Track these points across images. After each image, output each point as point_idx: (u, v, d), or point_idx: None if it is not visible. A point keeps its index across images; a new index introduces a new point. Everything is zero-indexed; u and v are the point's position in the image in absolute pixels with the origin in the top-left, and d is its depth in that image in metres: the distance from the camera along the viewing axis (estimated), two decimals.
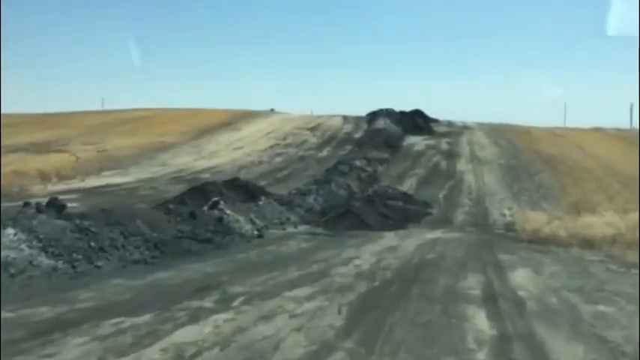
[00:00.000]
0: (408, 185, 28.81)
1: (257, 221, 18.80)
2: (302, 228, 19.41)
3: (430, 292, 10.07)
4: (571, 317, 8.67)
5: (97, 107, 57.69)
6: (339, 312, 8.35)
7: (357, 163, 31.86)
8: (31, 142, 38.64)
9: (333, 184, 26.24)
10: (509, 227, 20.91)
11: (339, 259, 13.44)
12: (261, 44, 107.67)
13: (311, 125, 45.41)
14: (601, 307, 9.28)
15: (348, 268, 12.34)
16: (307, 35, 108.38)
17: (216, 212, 17.56)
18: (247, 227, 17.60)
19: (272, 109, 54.25)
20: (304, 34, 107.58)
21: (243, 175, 30.67)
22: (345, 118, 48.44)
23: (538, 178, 30.50)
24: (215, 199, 18.25)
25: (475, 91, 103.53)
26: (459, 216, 23.15)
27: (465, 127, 46.20)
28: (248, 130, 43.53)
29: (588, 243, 17.53)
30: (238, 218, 17.93)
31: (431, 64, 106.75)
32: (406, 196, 25.18)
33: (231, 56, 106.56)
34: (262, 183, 28.69)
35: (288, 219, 20.48)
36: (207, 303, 8.68)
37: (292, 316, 8.11)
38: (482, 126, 46.76)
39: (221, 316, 7.96)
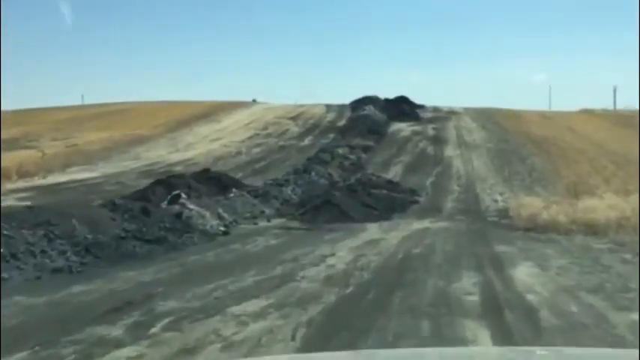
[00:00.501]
0: (393, 173, 26.61)
1: (225, 216, 16.53)
2: (276, 222, 17.16)
3: (416, 301, 7.87)
4: (605, 335, 6.37)
5: (77, 103, 54.98)
6: (293, 338, 6.12)
7: (340, 151, 29.59)
8: None
9: (313, 174, 24.00)
10: (503, 214, 18.74)
11: (311, 258, 11.22)
12: (242, 35, 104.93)
13: (293, 114, 43.03)
14: (636, 317, 7.03)
15: (319, 269, 10.13)
16: (290, 26, 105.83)
17: (176, 207, 15.26)
18: (213, 223, 15.32)
19: (254, 100, 51.85)
20: (287, 25, 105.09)
21: (219, 167, 28.33)
22: (329, 107, 46.05)
23: (530, 161, 28.35)
24: (175, 192, 15.93)
25: (457, 79, 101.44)
26: (448, 203, 20.96)
27: (452, 112, 43.99)
28: (227, 122, 41.12)
29: (592, 229, 15.37)
30: (203, 213, 15.65)
31: (412, 50, 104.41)
32: (391, 184, 22.96)
33: (213, 48, 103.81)
34: (239, 175, 26.40)
35: (262, 212, 18.22)
36: (117, 330, 6.43)
37: (226, 346, 5.87)
38: (468, 111, 44.54)
39: (124, 353, 5.70)
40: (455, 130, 36.99)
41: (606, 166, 26.29)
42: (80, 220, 11.89)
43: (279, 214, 18.39)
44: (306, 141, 34.55)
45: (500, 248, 12.52)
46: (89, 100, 55.76)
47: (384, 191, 21.34)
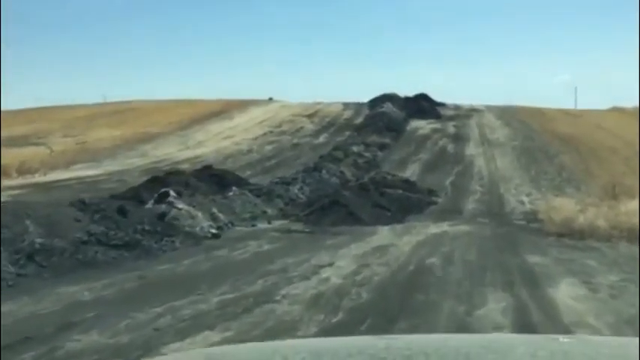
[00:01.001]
0: (410, 171, 24.35)
1: (221, 216, 14.46)
2: (277, 224, 15.06)
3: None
4: None
5: (99, 101, 53.31)
6: None
7: (354, 148, 27.40)
8: (10, 136, 34.49)
9: (323, 172, 21.84)
10: (531, 217, 16.42)
11: (303, 269, 9.10)
12: (260, 33, 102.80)
13: (309, 112, 40.91)
14: None
15: (308, 284, 8.00)
16: (308, 24, 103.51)
17: (162, 207, 13.22)
18: (204, 224, 13.25)
19: (270, 98, 49.78)
20: (305, 24, 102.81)
21: (228, 165, 26.42)
22: (346, 105, 43.84)
23: (558, 160, 25.90)
24: (164, 190, 13.89)
25: (479, 78, 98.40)
26: (469, 205, 18.68)
27: (474, 110, 41.53)
28: (241, 119, 39.12)
29: (635, 234, 13.03)
30: (194, 214, 13.59)
31: (433, 49, 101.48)
32: (407, 184, 20.70)
33: (230, 46, 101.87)
34: (247, 173, 24.40)
35: (264, 212, 16.13)
36: None
37: None
38: (491, 108, 42.05)
39: None
40: (477, 127, 34.57)
41: None
42: (37, 221, 9.89)
43: (283, 214, 16.30)
44: (321, 139, 32.41)
45: (533, 259, 10.27)
46: (111, 99, 54.08)
47: (399, 191, 19.10)
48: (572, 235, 13.39)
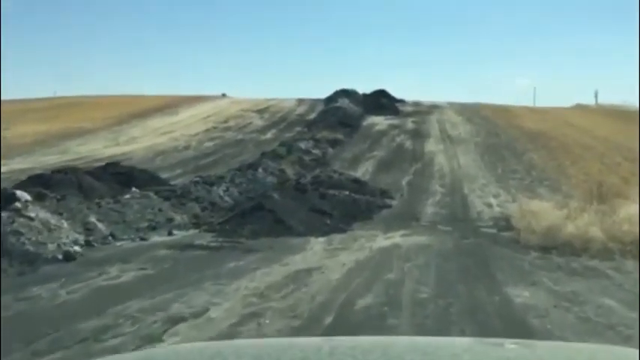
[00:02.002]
0: (363, 170, 20.78)
1: (100, 227, 10.66)
2: (180, 235, 11.27)
3: None
4: None
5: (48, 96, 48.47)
6: None
7: (302, 145, 23.67)
8: None
9: (260, 170, 18.04)
10: (503, 224, 12.95)
11: (146, 323, 5.43)
12: (216, 29, 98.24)
13: (260, 107, 37.09)
14: None
15: None
16: (268, 19, 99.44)
17: (5, 216, 9.31)
18: (65, 240, 9.42)
19: (223, 95, 45.85)
20: (266, 18, 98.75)
21: (157, 163, 22.60)
22: (301, 101, 40.13)
23: (527, 157, 22.58)
24: (13, 191, 9.96)
25: (439, 81, 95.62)
26: (429, 208, 15.12)
27: (434, 107, 38.18)
28: (186, 114, 35.12)
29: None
30: (57, 224, 9.74)
31: (394, 51, 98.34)
32: (357, 184, 17.09)
33: (186, 42, 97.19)
34: (177, 171, 20.61)
35: (170, 220, 12.34)
36: None
37: None
38: (453, 105, 38.76)
39: None
40: (437, 123, 31.15)
41: (620, 163, 20.54)
42: None
43: (195, 223, 12.53)
44: (269, 134, 28.64)
45: (519, 293, 6.72)
46: (63, 94, 49.24)
47: (346, 192, 15.46)
48: (560, 249, 9.91)
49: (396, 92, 40.95)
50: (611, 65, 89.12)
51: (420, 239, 11.31)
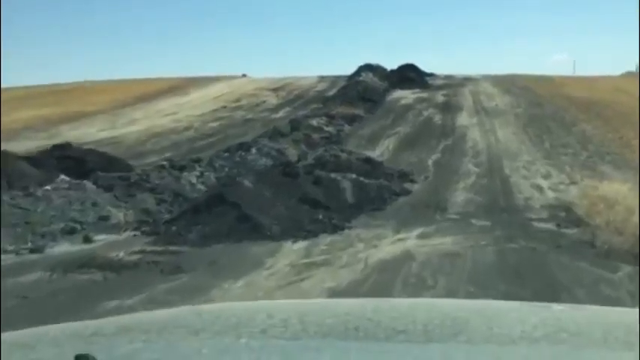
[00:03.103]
0: (382, 149, 17.03)
1: None
2: (100, 243, 7.70)
3: None
4: None
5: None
6: None
7: (314, 122, 19.95)
8: None
9: (253, 150, 14.44)
10: (562, 214, 9.11)
11: None
12: (238, 10, 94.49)
13: (277, 86, 33.44)
14: None
15: None
16: (303, 6, 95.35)
17: None
18: None
19: (244, 75, 42.36)
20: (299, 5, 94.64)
21: (149, 146, 19.30)
22: (322, 78, 36.36)
23: (579, 129, 18.44)
24: None
25: (474, 58, 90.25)
26: (459, 195, 11.31)
27: (467, 79, 33.93)
28: (196, 95, 31.72)
29: None
30: None
31: (427, 29, 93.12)
32: (370, 165, 13.36)
33: (207, 24, 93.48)
34: (167, 154, 17.13)
35: (104, 219, 8.83)
36: None
37: None
38: (487, 77, 34.44)
39: None
40: (471, 95, 27.01)
41: None
42: None
43: (142, 221, 8.94)
44: (281, 113, 24.97)
45: None
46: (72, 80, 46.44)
47: (353, 176, 11.71)
48: None
49: (426, 68, 36.84)
50: None
51: (445, 242, 7.55)
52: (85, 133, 22.10)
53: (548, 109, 21.92)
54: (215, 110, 26.33)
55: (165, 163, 12.00)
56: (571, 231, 8.18)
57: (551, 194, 11.22)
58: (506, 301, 1.69)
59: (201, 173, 11.75)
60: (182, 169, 11.76)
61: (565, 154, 15.31)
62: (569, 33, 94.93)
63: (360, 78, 30.87)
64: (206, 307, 1.65)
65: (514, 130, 18.89)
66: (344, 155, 13.74)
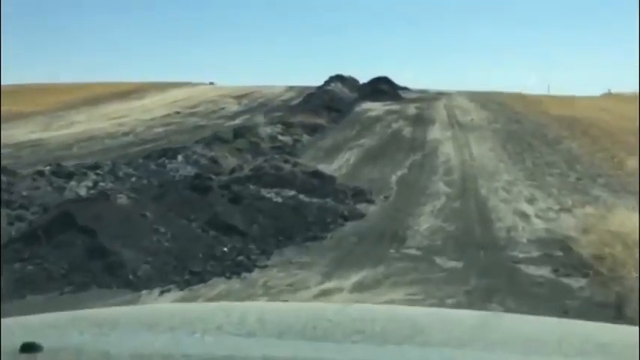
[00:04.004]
0: (341, 162, 14.37)
1: None
2: None
3: None
4: None
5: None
6: None
7: (268, 130, 17.25)
8: None
9: (180, 157, 11.65)
10: (559, 254, 6.39)
11: None
12: (213, 18, 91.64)
13: (240, 93, 30.68)
14: None
15: None
16: (273, 11, 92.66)
17: None
18: None
19: (211, 82, 39.58)
20: (271, 10, 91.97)
21: (74, 151, 16.46)
22: (291, 88, 33.72)
23: (564, 147, 15.96)
24: None
25: (447, 78, 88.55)
26: (424, 221, 8.67)
27: (441, 94, 31.51)
28: (150, 100, 28.88)
29: None
30: None
31: (400, 46, 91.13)
32: (318, 180, 10.68)
33: (179, 31, 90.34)
34: (88, 160, 14.25)
35: None
36: None
37: None
38: (462, 93, 32.06)
39: None
40: (445, 109, 24.53)
41: None
42: None
43: None
44: (238, 120, 22.20)
45: None
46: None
47: (291, 193, 9.00)
48: None
49: (400, 82, 34.40)
50: (621, 57, 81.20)
51: (394, 299, 4.79)
52: (10, 135, 19.08)
53: (527, 126, 19.45)
54: (166, 115, 23.46)
55: (46, 169, 9.09)
56: (577, 282, 5.53)
57: (539, 224, 8.58)
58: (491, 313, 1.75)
59: (95, 183, 8.88)
60: (70, 176, 8.90)
61: (550, 175, 12.74)
62: (542, 57, 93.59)
63: (329, 88, 28.24)
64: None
65: (491, 147, 16.33)
66: (287, 167, 11.00)
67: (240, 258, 6.08)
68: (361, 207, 9.70)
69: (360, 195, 10.47)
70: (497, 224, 8.59)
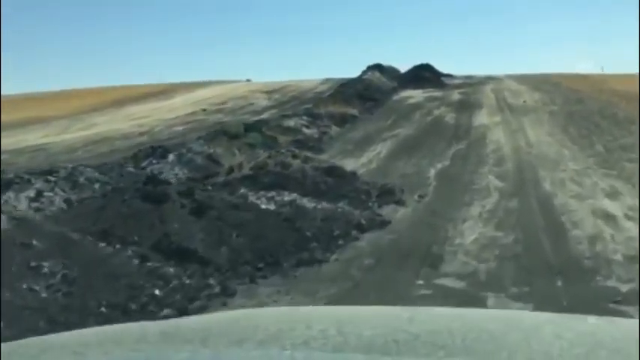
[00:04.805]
0: (372, 154, 12.05)
1: None
2: None
3: None
4: None
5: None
6: None
7: (290, 122, 14.98)
8: None
9: (170, 156, 9.51)
10: None
11: None
12: (251, 13, 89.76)
13: (272, 88, 28.52)
14: None
15: None
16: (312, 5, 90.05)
17: None
18: None
19: (248, 80, 37.63)
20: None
21: (79, 154, 14.62)
22: (327, 80, 31.36)
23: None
24: None
25: (489, 61, 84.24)
26: (469, 230, 6.15)
27: (489, 78, 28.55)
28: (178, 99, 27.00)
29: None
30: None
31: (448, 40, 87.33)
32: (334, 177, 8.28)
33: (216, 29, 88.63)
34: (95, 162, 12.32)
35: None
36: None
37: None
38: (512, 76, 28.98)
39: None
40: (493, 93, 21.70)
41: None
42: None
43: None
44: (265, 115, 19.94)
45: None
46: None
47: (290, 197, 6.67)
48: None
49: (444, 70, 31.55)
50: None
51: None
52: (19, 140, 17.40)
53: (592, 105, 16.49)
54: (191, 114, 21.46)
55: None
56: None
57: (633, 229, 5.97)
58: (542, 313, 1.43)
59: (39, 193, 6.74)
60: (8, 186, 6.78)
61: (629, 160, 9.97)
62: (593, 38, 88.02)
63: (366, 76, 25.76)
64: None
65: (549, 131, 13.57)
66: (296, 163, 8.65)
67: (179, 302, 3.79)
68: (387, 211, 7.29)
69: (387, 194, 8.06)
70: (573, 231, 6.02)
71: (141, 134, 17.49)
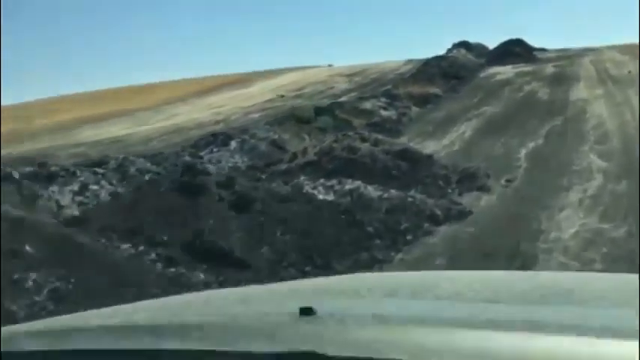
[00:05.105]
0: (454, 136, 11.02)
1: None
2: None
3: None
4: None
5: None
6: None
7: (367, 104, 14.05)
8: None
9: (232, 143, 8.88)
10: None
11: None
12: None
13: (353, 72, 27.51)
14: None
15: None
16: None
17: None
18: None
19: (330, 65, 36.81)
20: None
21: (154, 144, 14.40)
22: (410, 61, 29.96)
23: None
24: None
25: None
26: (568, 221, 4.93)
27: (587, 50, 26.13)
28: (258, 86, 26.54)
29: None
30: None
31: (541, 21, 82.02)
32: (407, 161, 7.28)
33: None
34: (166, 151, 12.05)
35: None
36: None
37: None
38: (612, 47, 26.38)
39: None
40: (592, 65, 19.69)
41: None
42: None
43: None
44: (343, 98, 19.06)
45: None
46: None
47: (353, 184, 5.76)
48: None
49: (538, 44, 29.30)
50: None
51: None
52: (97, 134, 17.51)
53: None
54: (268, 100, 20.94)
55: (26, 170, 6.58)
56: None
57: None
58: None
59: (84, 187, 6.24)
60: (51, 178, 6.33)
61: None
62: None
63: (451, 54, 24.25)
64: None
65: None
66: (364, 147, 7.72)
67: None
68: (467, 199, 6.26)
69: (470, 180, 7.00)
70: None
71: (217, 122, 17.13)
